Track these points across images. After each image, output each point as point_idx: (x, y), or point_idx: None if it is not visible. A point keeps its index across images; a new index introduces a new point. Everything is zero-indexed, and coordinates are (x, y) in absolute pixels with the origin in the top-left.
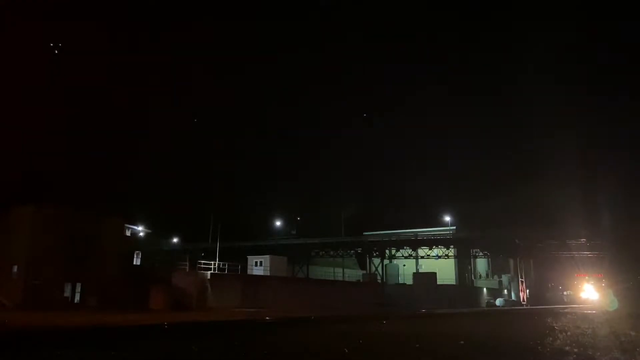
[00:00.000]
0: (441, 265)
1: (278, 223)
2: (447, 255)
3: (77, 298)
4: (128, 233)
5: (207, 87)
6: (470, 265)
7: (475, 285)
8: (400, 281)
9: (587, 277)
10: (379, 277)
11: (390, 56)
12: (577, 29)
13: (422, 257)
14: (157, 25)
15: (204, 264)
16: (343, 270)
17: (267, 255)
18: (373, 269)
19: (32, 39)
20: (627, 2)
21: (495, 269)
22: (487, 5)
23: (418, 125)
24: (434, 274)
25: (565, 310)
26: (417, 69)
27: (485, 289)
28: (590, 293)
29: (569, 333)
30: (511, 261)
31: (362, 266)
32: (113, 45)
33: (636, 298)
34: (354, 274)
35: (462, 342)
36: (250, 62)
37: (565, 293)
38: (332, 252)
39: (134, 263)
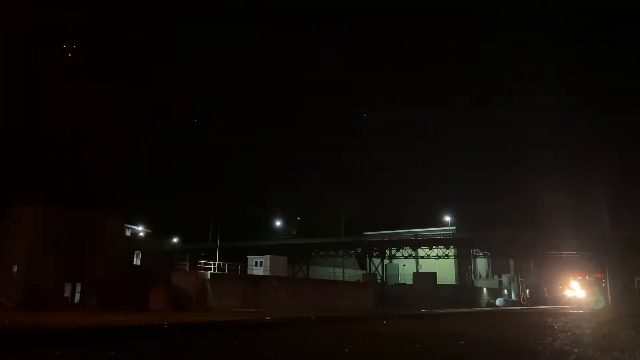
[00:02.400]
0: (441, 265)
1: (278, 223)
2: (447, 255)
3: (77, 298)
4: (128, 233)
5: (207, 87)
6: (470, 265)
7: (475, 285)
8: (400, 281)
9: (587, 277)
10: (379, 277)
11: (390, 58)
12: (568, 38)
13: (422, 257)
14: (157, 21)
15: (204, 264)
16: (343, 270)
17: (267, 255)
18: (373, 269)
19: (31, 35)
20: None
21: (495, 269)
22: (487, 15)
23: (418, 126)
24: (434, 274)
25: (551, 311)
26: (417, 70)
27: (485, 289)
28: (576, 291)
29: (568, 333)
30: (511, 261)
31: (362, 266)
32: (113, 44)
33: (628, 297)
34: (354, 274)
35: (462, 342)
36: (250, 64)
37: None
38: (332, 252)
39: (134, 263)
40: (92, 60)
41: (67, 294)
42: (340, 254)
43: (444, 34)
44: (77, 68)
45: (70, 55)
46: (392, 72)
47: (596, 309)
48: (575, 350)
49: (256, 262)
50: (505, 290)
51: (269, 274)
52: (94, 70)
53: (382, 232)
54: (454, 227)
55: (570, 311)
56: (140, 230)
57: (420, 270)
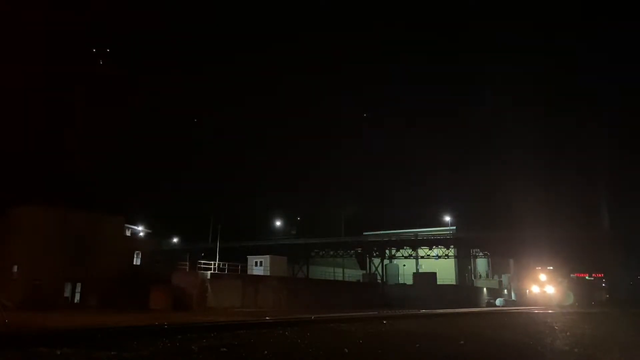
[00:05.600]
0: (441, 265)
1: (278, 223)
2: (447, 255)
3: (77, 298)
4: (128, 233)
5: (207, 88)
6: (470, 265)
7: (475, 285)
8: (400, 281)
9: (586, 277)
10: (379, 277)
11: (389, 59)
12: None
13: (422, 257)
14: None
15: (204, 264)
16: (343, 270)
17: (267, 255)
18: (373, 269)
19: (29, 34)
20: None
21: (495, 269)
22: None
23: (418, 126)
24: (434, 274)
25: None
26: (416, 71)
27: (485, 289)
28: (544, 287)
29: (567, 333)
30: (511, 261)
31: (362, 266)
32: (116, 46)
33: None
34: (354, 274)
35: (462, 342)
36: (250, 63)
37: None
38: (332, 252)
39: (134, 263)
40: (93, 63)
41: (67, 294)
42: (340, 254)
43: (440, 44)
44: (79, 69)
45: (101, 62)
46: (392, 73)
47: (565, 306)
48: (576, 350)
49: (256, 262)
50: (505, 290)
51: (269, 274)
52: (94, 71)
53: (382, 232)
54: (454, 227)
55: (535, 311)
56: (140, 230)
57: (420, 270)
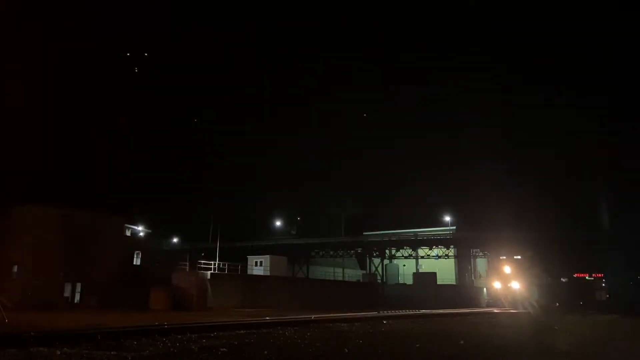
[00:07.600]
0: (441, 265)
1: (278, 223)
2: (447, 255)
3: (77, 298)
4: (128, 233)
5: (207, 87)
6: (470, 265)
7: (475, 285)
8: (400, 281)
9: (587, 277)
10: (379, 277)
11: (387, 58)
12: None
13: (422, 257)
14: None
15: (204, 264)
16: (343, 270)
17: (267, 255)
18: (373, 269)
19: (29, 36)
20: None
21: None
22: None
23: (419, 126)
24: (434, 274)
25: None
26: (415, 69)
27: (485, 289)
28: (509, 282)
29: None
30: None
31: (362, 266)
32: (118, 46)
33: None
34: (354, 274)
35: (462, 342)
36: (250, 63)
37: None
38: (332, 252)
39: (134, 263)
40: (91, 61)
41: (67, 294)
42: (340, 254)
43: (441, 46)
44: (79, 69)
45: (136, 69)
46: (392, 73)
47: (531, 305)
48: (575, 350)
49: (256, 262)
50: None
51: (269, 273)
52: (93, 70)
53: (382, 232)
54: (454, 227)
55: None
56: (140, 230)
57: (420, 270)
